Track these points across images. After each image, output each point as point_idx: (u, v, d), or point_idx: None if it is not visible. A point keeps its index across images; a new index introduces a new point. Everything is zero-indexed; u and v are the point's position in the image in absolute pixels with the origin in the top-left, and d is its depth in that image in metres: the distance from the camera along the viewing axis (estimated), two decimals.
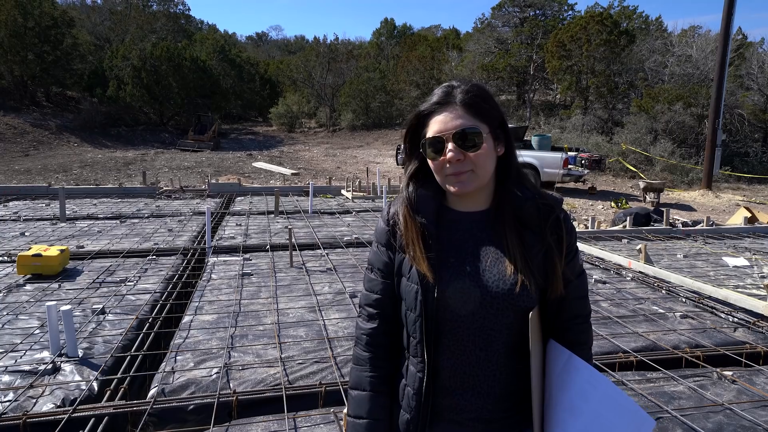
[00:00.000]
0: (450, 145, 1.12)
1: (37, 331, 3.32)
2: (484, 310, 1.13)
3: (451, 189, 1.15)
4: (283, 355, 3.02)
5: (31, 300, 3.91)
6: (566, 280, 1.18)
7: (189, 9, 46.47)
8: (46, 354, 2.98)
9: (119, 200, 9.33)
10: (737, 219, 9.18)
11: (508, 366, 1.16)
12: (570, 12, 31.94)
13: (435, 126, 1.14)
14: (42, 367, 2.80)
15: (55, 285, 4.28)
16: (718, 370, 2.94)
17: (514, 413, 1.19)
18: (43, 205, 8.61)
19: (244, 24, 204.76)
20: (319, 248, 5.79)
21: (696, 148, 19.66)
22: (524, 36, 30.19)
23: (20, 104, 27.71)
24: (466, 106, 1.13)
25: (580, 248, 5.93)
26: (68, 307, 2.92)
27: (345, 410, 1.36)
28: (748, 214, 9.05)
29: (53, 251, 4.56)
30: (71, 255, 5.06)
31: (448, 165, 1.13)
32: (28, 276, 4.47)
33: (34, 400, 2.50)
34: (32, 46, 27.63)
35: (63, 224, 6.88)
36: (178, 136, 28.65)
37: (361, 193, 10.45)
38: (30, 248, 4.69)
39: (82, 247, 5.60)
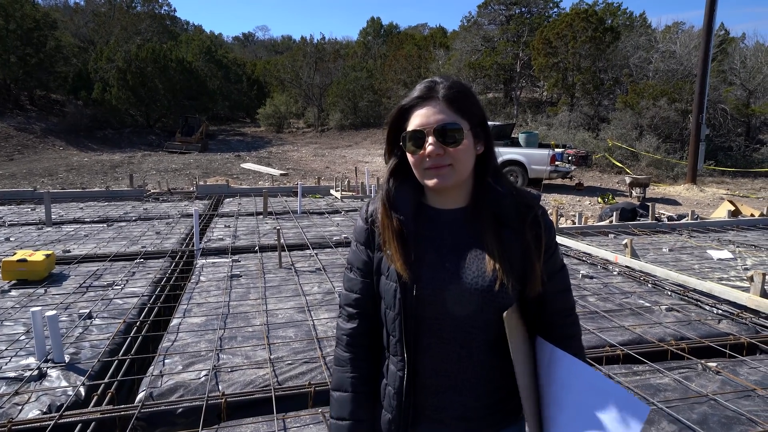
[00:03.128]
0: (430, 139, 1.11)
1: (23, 337, 3.28)
2: (464, 307, 1.13)
3: (429, 183, 1.15)
4: (272, 356, 3.02)
5: (17, 306, 3.86)
6: (547, 275, 1.18)
7: (174, 10, 46.26)
8: (31, 360, 2.95)
9: (106, 203, 9.24)
10: (721, 212, 9.31)
11: (489, 363, 1.17)
12: (555, 9, 32.13)
13: (416, 120, 1.13)
14: (28, 374, 2.77)
15: (41, 290, 4.24)
16: (702, 361, 2.98)
17: (496, 411, 1.20)
18: (29, 209, 8.50)
19: (230, 24, 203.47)
20: (309, 248, 5.78)
21: (681, 143, 19.89)
22: (510, 34, 30.34)
23: (3, 108, 27.33)
24: (449, 101, 1.13)
25: (567, 244, 6.01)
26: (54, 312, 2.90)
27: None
28: (732, 208, 9.18)
29: (38, 256, 4.51)
30: (57, 259, 5.01)
31: (427, 159, 1.12)
32: (13, 282, 4.42)
33: (20, 407, 2.48)
34: (14, 48, 27.25)
35: (49, 229, 6.80)
36: (165, 138, 28.43)
37: (351, 193, 10.45)
38: (15, 253, 4.63)
39: (69, 251, 5.54)
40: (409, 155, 1.17)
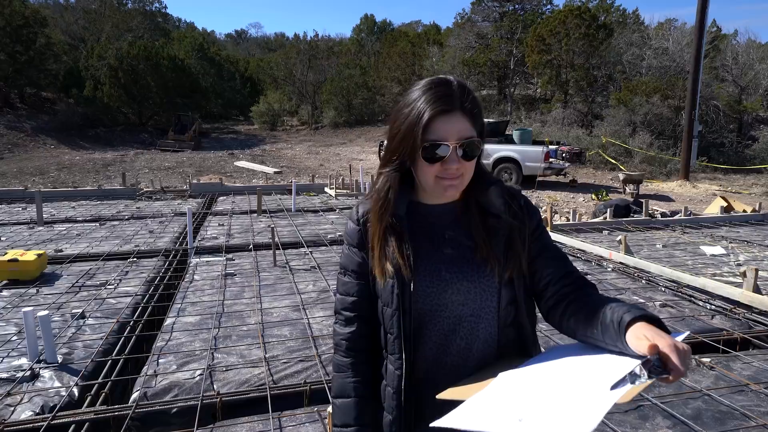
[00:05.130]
0: (454, 154, 1.11)
1: (15, 338, 3.25)
2: (461, 296, 1.15)
3: (441, 193, 1.16)
4: (267, 355, 3.00)
5: (8, 306, 3.83)
6: (538, 250, 1.21)
7: (165, 7, 45.62)
8: (24, 361, 2.92)
9: (98, 202, 9.17)
10: (714, 208, 9.36)
11: (488, 355, 1.17)
12: (549, 6, 32.17)
13: (440, 132, 1.11)
14: (20, 375, 2.74)
15: (33, 290, 4.20)
16: (696, 357, 3.00)
17: None
18: (20, 209, 8.42)
19: (222, 22, 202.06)
20: (303, 246, 5.76)
21: (674, 140, 19.98)
22: (504, 31, 30.35)
23: None
24: (469, 114, 1.13)
25: (561, 240, 6.04)
26: (46, 312, 2.87)
27: (330, 409, 1.35)
28: (725, 204, 9.24)
29: (30, 256, 4.47)
30: (49, 259, 4.96)
31: (445, 170, 1.12)
32: (5, 282, 4.38)
33: (12, 408, 2.46)
34: (4, 46, 26.96)
35: (40, 228, 6.74)
36: (158, 136, 28.24)
37: (345, 191, 10.43)
38: (6, 253, 4.59)
39: (61, 250, 5.50)
40: (422, 163, 1.14)
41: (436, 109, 1.11)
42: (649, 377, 0.86)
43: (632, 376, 0.87)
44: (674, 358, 0.85)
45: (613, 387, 0.87)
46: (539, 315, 1.26)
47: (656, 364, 0.86)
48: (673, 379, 0.86)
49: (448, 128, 1.11)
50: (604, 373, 0.93)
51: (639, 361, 0.88)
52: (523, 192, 1.31)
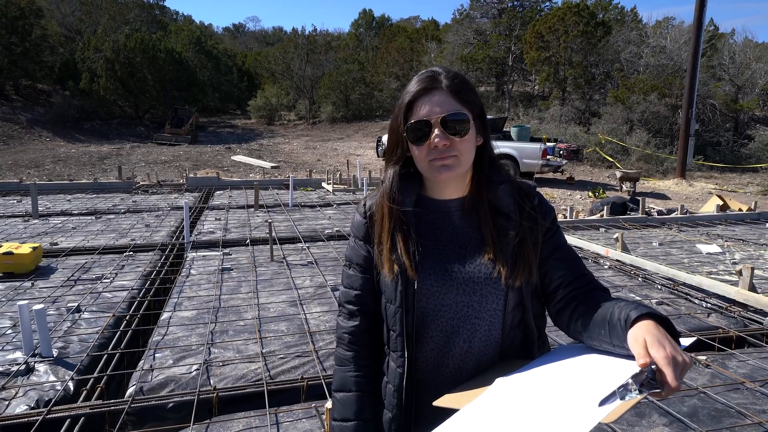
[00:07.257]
0: (437, 130, 1.09)
1: (9, 331, 3.24)
2: (466, 297, 1.12)
3: (435, 175, 1.12)
4: (264, 350, 3.00)
5: (3, 299, 3.80)
6: (550, 250, 1.17)
7: None
8: (18, 354, 2.91)
9: (94, 196, 9.13)
10: (710, 207, 9.40)
11: (490, 356, 1.15)
12: (547, 3, 32.13)
13: (421, 111, 1.10)
14: (15, 368, 2.73)
15: (28, 284, 4.18)
16: (692, 355, 3.01)
17: None
18: (15, 201, 8.38)
19: (220, 15, 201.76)
20: (300, 242, 5.75)
21: (670, 138, 20.03)
22: (503, 27, 30.30)
23: None
24: (452, 91, 1.11)
25: None
26: (41, 305, 2.85)
27: (327, 404, 1.33)
28: (720, 202, 9.27)
29: (25, 249, 4.44)
30: (44, 252, 4.94)
31: (433, 150, 1.10)
32: None
33: (7, 402, 2.44)
34: None
35: (36, 221, 6.70)
36: (154, 129, 28.09)
37: (342, 186, 10.42)
38: (1, 246, 4.56)
39: (56, 244, 5.47)
40: (413, 147, 1.13)
41: (416, 90, 1.12)
42: (640, 392, 0.80)
43: (622, 391, 0.82)
44: (669, 374, 0.80)
45: (602, 402, 0.83)
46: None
47: (650, 377, 0.81)
48: (666, 395, 0.81)
49: (429, 105, 1.10)
50: (598, 382, 0.89)
51: (633, 372, 0.84)
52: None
